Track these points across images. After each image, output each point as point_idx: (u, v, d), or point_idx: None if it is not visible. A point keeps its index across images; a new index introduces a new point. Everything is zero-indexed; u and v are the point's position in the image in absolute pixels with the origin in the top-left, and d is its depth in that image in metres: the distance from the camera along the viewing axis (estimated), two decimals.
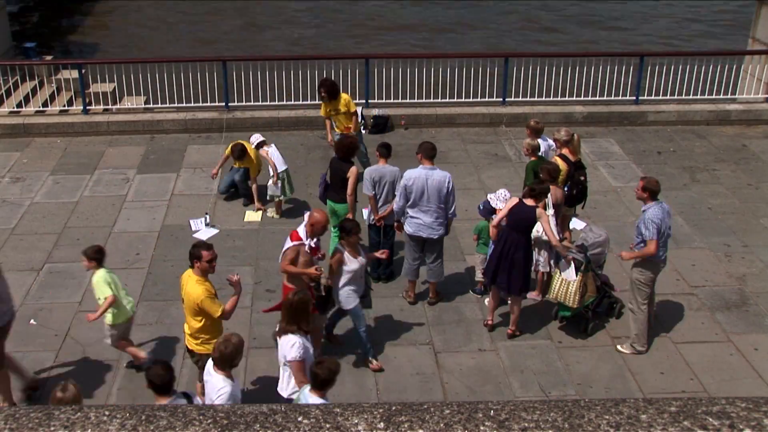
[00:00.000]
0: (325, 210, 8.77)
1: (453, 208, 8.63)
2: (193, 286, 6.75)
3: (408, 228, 8.69)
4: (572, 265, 8.27)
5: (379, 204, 9.00)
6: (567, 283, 8.26)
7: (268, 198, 10.97)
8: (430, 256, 8.86)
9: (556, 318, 8.70)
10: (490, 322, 8.69)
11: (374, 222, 9.14)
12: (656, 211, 7.85)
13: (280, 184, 10.69)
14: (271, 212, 11.02)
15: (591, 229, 8.98)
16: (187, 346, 7.14)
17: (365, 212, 9.55)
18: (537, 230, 8.73)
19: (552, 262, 8.87)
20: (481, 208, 8.93)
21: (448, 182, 8.47)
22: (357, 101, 14.12)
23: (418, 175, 8.46)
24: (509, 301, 8.48)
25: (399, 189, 8.63)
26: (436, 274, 8.95)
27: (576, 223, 10.47)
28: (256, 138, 11.02)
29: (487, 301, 8.86)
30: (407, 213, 8.64)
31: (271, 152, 10.79)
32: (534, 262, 8.94)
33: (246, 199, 11.26)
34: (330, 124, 11.61)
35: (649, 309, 8.18)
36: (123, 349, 7.86)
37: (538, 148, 9.56)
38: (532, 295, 9.14)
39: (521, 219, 8.05)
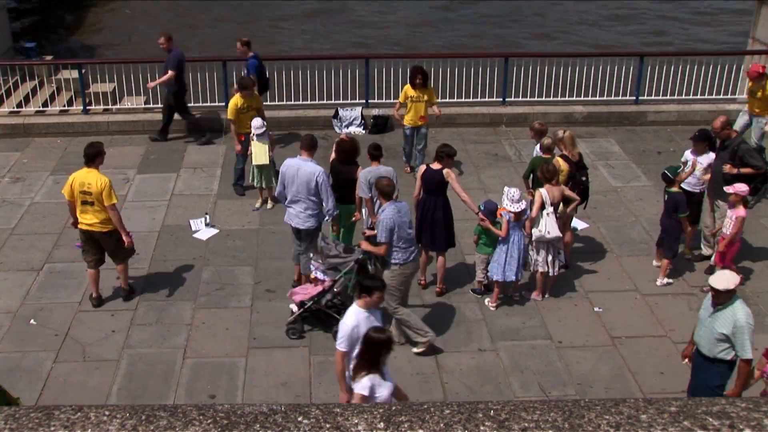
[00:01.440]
0: None
1: (330, 204, 8.67)
2: (99, 177, 8.42)
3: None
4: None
5: (375, 207, 9.04)
6: None
7: (256, 184, 11.03)
8: (303, 245, 9.09)
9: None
10: (423, 282, 9.30)
11: (371, 225, 9.17)
12: (389, 212, 7.84)
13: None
14: (259, 203, 11.16)
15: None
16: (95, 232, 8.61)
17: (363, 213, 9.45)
18: (539, 229, 8.75)
19: (549, 260, 8.88)
20: (482, 208, 8.94)
21: (318, 176, 8.59)
22: (357, 101, 14.18)
23: (290, 163, 8.76)
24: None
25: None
26: (303, 266, 9.09)
27: (576, 223, 10.48)
28: (260, 125, 10.79)
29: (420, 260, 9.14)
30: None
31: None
32: (533, 261, 8.96)
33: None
34: (403, 110, 11.84)
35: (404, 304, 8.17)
36: None
37: (549, 147, 9.56)
38: (533, 295, 9.14)
39: (432, 182, 8.79)
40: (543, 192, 8.78)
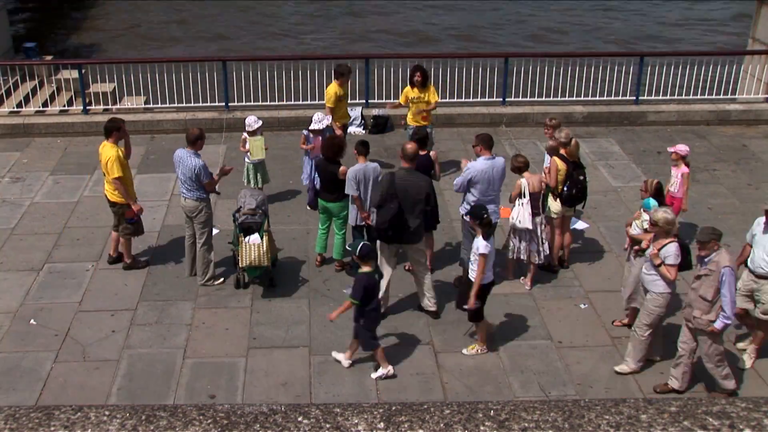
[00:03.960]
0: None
1: None
2: (108, 150, 9.09)
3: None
4: (253, 231, 8.88)
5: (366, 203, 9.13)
6: (256, 246, 8.80)
7: (251, 184, 10.99)
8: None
9: (242, 285, 9.21)
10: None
11: (362, 222, 9.20)
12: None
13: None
14: None
15: (251, 194, 9.31)
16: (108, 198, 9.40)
17: (352, 213, 9.41)
18: (513, 217, 8.85)
19: (533, 249, 8.96)
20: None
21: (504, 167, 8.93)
22: (357, 101, 14.17)
23: (483, 167, 8.70)
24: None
25: (460, 183, 8.83)
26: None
27: (577, 224, 10.47)
28: (255, 122, 10.80)
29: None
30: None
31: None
32: (515, 249, 9.02)
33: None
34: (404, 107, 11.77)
35: None
36: None
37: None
38: (523, 280, 9.30)
39: (422, 167, 8.96)
40: (524, 182, 8.87)
